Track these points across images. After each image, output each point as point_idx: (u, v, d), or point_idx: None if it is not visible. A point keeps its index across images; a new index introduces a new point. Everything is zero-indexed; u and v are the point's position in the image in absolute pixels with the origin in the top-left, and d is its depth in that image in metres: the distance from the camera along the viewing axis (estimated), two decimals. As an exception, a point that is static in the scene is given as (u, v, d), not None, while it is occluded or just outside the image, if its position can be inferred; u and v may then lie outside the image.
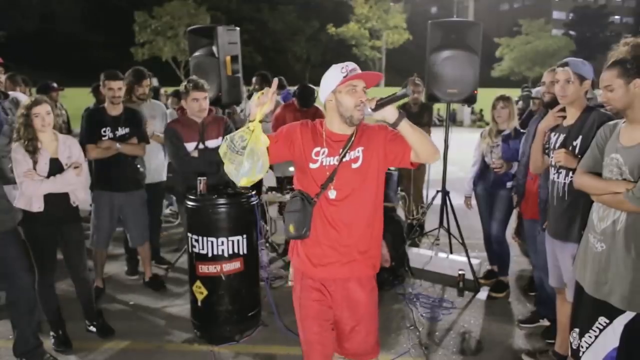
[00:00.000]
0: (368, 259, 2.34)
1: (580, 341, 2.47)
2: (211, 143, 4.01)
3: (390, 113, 2.07)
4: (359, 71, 2.19)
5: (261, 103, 2.11)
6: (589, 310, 2.43)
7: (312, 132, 2.28)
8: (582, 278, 2.50)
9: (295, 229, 2.22)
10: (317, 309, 2.34)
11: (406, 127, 2.09)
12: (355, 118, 2.17)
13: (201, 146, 3.99)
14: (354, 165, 2.23)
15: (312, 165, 2.24)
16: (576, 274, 2.57)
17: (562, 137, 2.99)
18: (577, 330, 2.52)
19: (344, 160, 2.22)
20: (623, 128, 2.36)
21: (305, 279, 2.36)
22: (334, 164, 2.22)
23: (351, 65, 2.20)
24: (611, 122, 2.49)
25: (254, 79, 6.15)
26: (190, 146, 3.97)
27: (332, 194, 2.23)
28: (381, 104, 2.06)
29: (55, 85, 6.62)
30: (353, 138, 2.24)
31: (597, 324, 2.38)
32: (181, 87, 3.99)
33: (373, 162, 2.24)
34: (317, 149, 2.25)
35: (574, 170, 2.78)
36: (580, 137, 2.86)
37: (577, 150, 2.86)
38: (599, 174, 2.43)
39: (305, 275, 2.36)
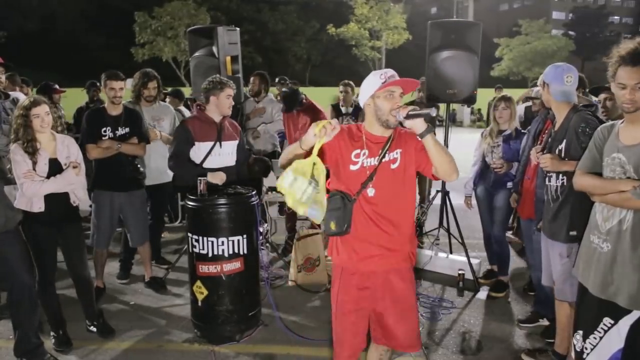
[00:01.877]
0: (405, 252, 2.46)
1: (585, 343, 2.45)
2: (226, 144, 4.00)
3: (419, 124, 2.20)
4: (397, 78, 2.31)
5: (321, 136, 2.13)
6: (594, 312, 2.42)
7: (350, 137, 2.39)
8: (585, 279, 2.48)
9: (337, 226, 2.33)
10: (355, 303, 2.43)
11: (430, 141, 2.22)
12: (390, 122, 2.30)
13: (217, 147, 3.94)
14: (393, 166, 2.37)
15: (352, 167, 2.37)
16: (579, 276, 2.55)
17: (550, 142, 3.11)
18: (580, 332, 2.50)
19: (383, 160, 2.35)
20: (622, 127, 2.36)
21: (344, 275, 2.45)
22: (374, 164, 2.35)
23: (390, 72, 2.33)
24: (608, 123, 2.49)
25: (251, 79, 6.10)
26: (206, 145, 3.92)
27: (370, 192, 2.36)
28: (412, 115, 2.19)
29: (57, 86, 6.58)
30: (391, 140, 2.38)
31: (601, 325, 2.37)
32: (208, 84, 3.88)
33: (409, 164, 2.38)
34: (357, 151, 2.37)
35: (564, 172, 2.91)
36: (565, 140, 2.98)
37: (562, 154, 2.98)
38: (598, 175, 2.43)
39: (346, 272, 2.45)
